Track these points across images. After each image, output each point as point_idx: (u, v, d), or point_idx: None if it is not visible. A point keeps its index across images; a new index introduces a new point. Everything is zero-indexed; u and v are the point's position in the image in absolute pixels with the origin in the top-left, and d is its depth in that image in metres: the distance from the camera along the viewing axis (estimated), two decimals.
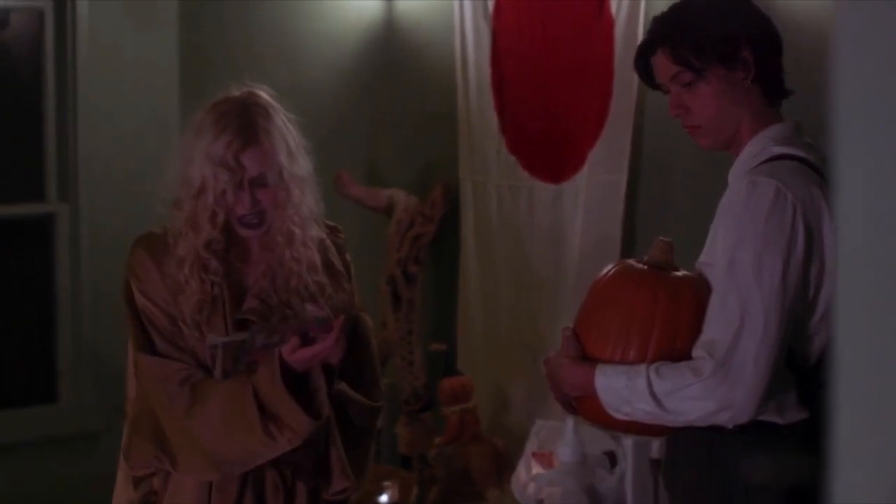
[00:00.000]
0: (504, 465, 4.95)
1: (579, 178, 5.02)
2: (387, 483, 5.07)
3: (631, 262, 2.92)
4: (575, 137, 5.03)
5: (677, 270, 2.84)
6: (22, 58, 5.69)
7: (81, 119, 5.59)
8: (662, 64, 2.84)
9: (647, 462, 4.21)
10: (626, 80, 4.76)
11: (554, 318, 4.92)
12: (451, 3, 5.53)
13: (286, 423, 2.99)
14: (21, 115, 5.68)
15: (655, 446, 4.05)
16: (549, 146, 5.18)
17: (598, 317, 2.85)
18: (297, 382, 3.01)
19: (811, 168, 2.74)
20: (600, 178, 4.93)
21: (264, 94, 3.15)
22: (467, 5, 5.46)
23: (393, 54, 5.88)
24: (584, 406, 2.85)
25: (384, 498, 5.00)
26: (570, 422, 4.31)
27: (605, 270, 2.91)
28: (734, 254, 2.66)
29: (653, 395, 2.66)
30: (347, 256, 3.35)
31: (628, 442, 4.33)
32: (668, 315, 2.75)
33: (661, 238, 2.89)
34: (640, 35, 4.48)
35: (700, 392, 2.62)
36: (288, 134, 3.13)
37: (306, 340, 3.00)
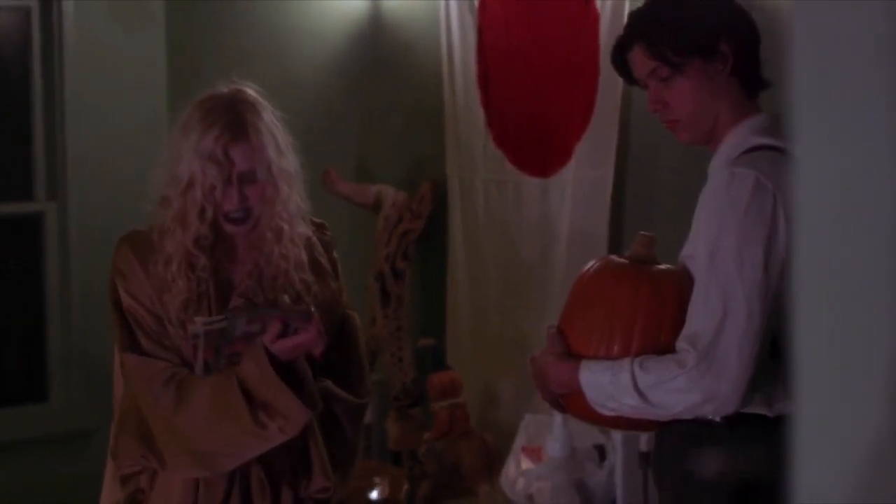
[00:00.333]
0: (494, 461, 4.95)
1: (566, 171, 5.02)
2: (377, 479, 5.06)
3: (612, 257, 2.93)
4: (561, 131, 5.03)
5: (659, 264, 2.84)
6: (9, 57, 5.69)
7: (69, 118, 5.59)
8: (639, 59, 2.84)
9: (637, 455, 4.21)
10: (611, 74, 4.70)
11: (542, 314, 4.91)
12: (436, 0, 5.53)
13: (277, 410, 2.99)
14: (9, 113, 5.68)
15: (644, 439, 4.05)
16: (535, 140, 5.17)
17: (582, 313, 2.85)
18: (282, 373, 3.01)
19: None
20: (587, 173, 4.93)
21: (252, 91, 3.16)
22: (453, 3, 5.45)
23: (379, 51, 5.88)
24: (571, 403, 2.86)
25: (374, 494, 5.00)
26: (558, 416, 4.31)
27: (587, 266, 2.92)
28: (715, 246, 2.66)
29: (637, 389, 2.66)
30: (334, 254, 3.35)
31: (617, 436, 4.33)
32: (650, 309, 2.75)
33: (642, 232, 2.90)
34: None
35: (684, 384, 2.63)
36: (276, 130, 3.13)
37: (286, 332, 3.00)
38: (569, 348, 2.82)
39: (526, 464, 4.57)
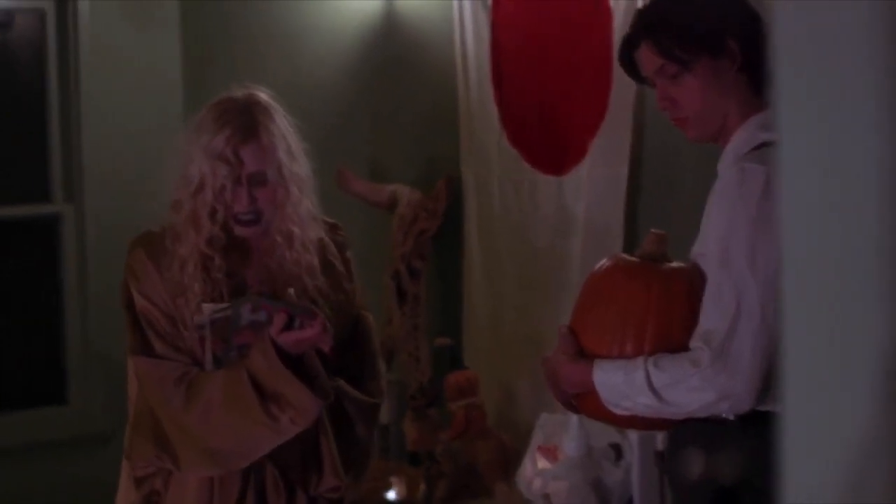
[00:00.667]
0: (511, 460, 4.94)
1: (581, 169, 5.01)
2: (394, 479, 5.05)
3: (623, 255, 2.91)
4: (576, 129, 5.02)
5: (671, 262, 2.83)
6: (25, 59, 5.69)
7: (85, 119, 5.59)
8: (647, 57, 2.82)
9: (654, 454, 4.19)
10: None
11: (558, 312, 4.90)
12: None
13: (287, 401, 2.98)
14: (25, 115, 5.68)
15: (661, 438, 4.03)
16: (550, 138, 5.16)
17: (593, 312, 2.84)
18: (292, 366, 3.00)
19: None
20: (602, 170, 4.92)
21: (265, 95, 3.16)
22: (466, 2, 5.45)
23: (393, 50, 5.87)
24: (585, 403, 2.84)
25: (391, 494, 4.99)
26: (574, 415, 4.30)
27: (598, 265, 2.90)
28: (727, 242, 2.64)
29: (652, 387, 2.64)
30: (348, 254, 3.34)
31: (634, 435, 4.32)
32: (662, 307, 2.73)
33: (653, 230, 2.88)
34: None
35: (699, 383, 2.61)
36: (288, 134, 3.13)
37: (291, 325, 2.99)
38: (581, 348, 2.80)
39: (542, 463, 4.56)
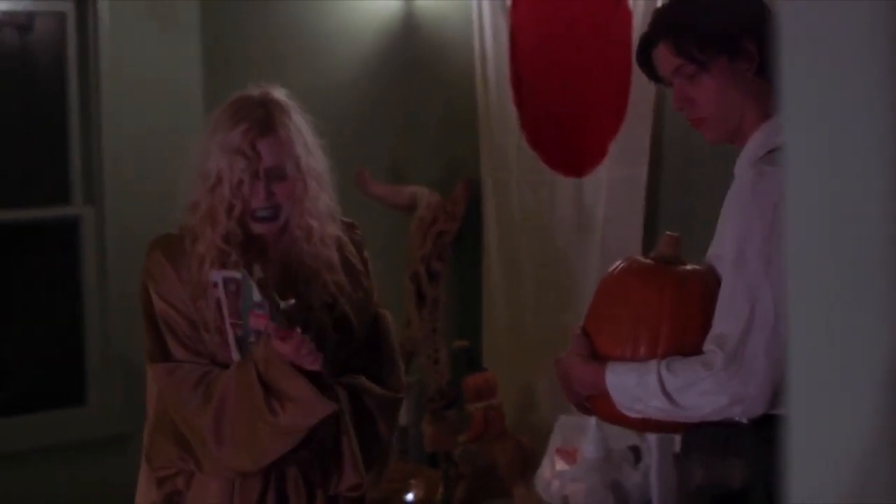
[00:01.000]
0: (530, 462, 4.93)
1: (600, 171, 5.00)
2: (413, 481, 5.05)
3: (638, 257, 2.90)
4: (595, 130, 5.01)
5: (685, 264, 2.81)
6: (45, 61, 5.71)
7: (105, 121, 5.60)
8: (664, 57, 2.81)
9: (672, 457, 4.18)
10: None
11: (577, 314, 4.86)
12: (469, 0, 5.52)
13: (287, 394, 2.95)
14: (45, 117, 5.70)
15: (679, 441, 4.02)
16: (569, 140, 5.15)
17: (607, 314, 2.83)
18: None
19: None
20: (621, 171, 4.90)
21: (280, 92, 3.16)
22: (485, 3, 5.44)
23: (412, 52, 5.87)
24: (598, 405, 2.83)
25: (410, 496, 4.99)
26: (593, 418, 4.29)
27: (612, 267, 2.89)
28: (742, 245, 2.62)
29: (664, 391, 2.63)
30: (365, 253, 3.33)
31: (653, 437, 4.30)
32: (675, 310, 2.72)
33: (667, 232, 2.87)
34: None
35: (712, 386, 2.59)
36: (304, 129, 3.12)
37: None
38: (594, 350, 2.79)
39: (561, 465, 4.55)
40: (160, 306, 3.09)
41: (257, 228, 3.09)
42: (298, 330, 2.93)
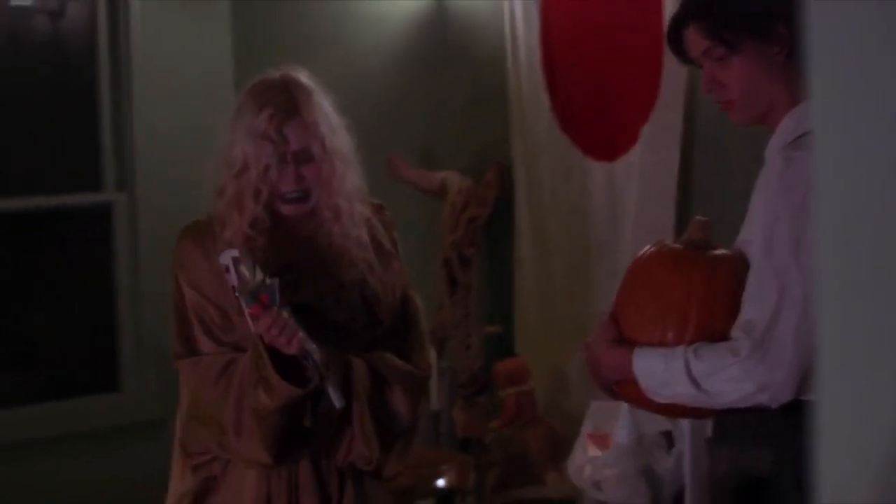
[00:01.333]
0: (562, 448, 4.92)
1: (632, 155, 4.97)
2: (444, 467, 5.04)
3: (667, 242, 2.88)
4: (626, 114, 4.99)
5: (715, 249, 2.79)
6: (77, 47, 5.72)
7: (137, 108, 5.61)
8: (694, 39, 2.79)
9: (705, 442, 4.16)
10: None
11: (608, 299, 4.85)
12: None
13: (259, 374, 2.94)
14: (77, 104, 5.71)
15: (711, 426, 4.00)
16: (600, 124, 5.13)
17: (636, 299, 2.81)
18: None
19: None
20: (653, 156, 4.88)
21: (301, 74, 3.14)
22: None
23: (443, 37, 5.85)
24: (626, 390, 2.82)
25: (441, 482, 4.98)
26: (625, 403, 4.27)
27: (642, 252, 2.88)
28: (771, 231, 2.60)
29: (691, 377, 2.62)
30: (395, 234, 3.32)
31: (685, 422, 4.28)
32: (704, 295, 2.70)
33: (697, 217, 2.85)
34: None
35: (738, 373, 2.57)
36: (328, 110, 3.11)
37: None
38: (622, 335, 2.78)
39: (593, 451, 4.53)
40: (190, 295, 3.08)
41: (288, 210, 3.08)
42: (274, 309, 2.90)
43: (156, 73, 5.62)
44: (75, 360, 5.77)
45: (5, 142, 5.57)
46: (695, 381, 2.61)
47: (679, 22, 2.85)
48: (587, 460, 4.51)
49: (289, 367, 2.95)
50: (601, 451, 4.50)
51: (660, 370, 2.66)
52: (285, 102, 3.04)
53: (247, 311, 2.91)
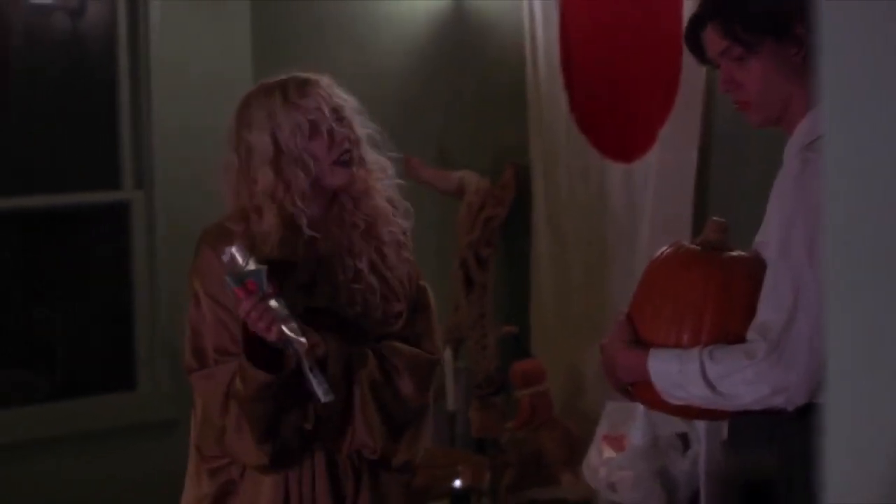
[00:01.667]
0: (577, 449, 4.91)
1: (650, 156, 4.96)
2: (460, 467, 5.03)
3: (684, 243, 2.88)
4: (645, 115, 4.98)
5: (731, 251, 2.79)
6: (96, 46, 5.73)
7: (155, 106, 5.62)
8: (712, 39, 2.79)
9: (721, 444, 4.15)
10: None
11: (625, 300, 4.85)
12: None
13: (240, 361, 2.95)
14: (96, 102, 5.72)
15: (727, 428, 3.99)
16: (619, 125, 5.12)
17: (651, 300, 2.81)
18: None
19: None
20: (671, 157, 4.86)
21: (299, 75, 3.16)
22: None
23: (461, 36, 5.85)
24: (641, 391, 2.82)
25: (457, 482, 4.97)
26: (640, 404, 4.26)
27: (658, 253, 2.87)
28: (786, 233, 2.60)
29: (706, 379, 2.61)
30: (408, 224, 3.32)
31: (701, 424, 4.26)
32: (720, 297, 2.69)
33: (714, 218, 2.85)
34: None
35: (753, 376, 2.57)
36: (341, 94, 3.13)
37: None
38: (638, 335, 2.78)
39: (608, 452, 4.52)
40: (207, 304, 3.05)
41: (340, 177, 3.06)
42: (257, 296, 2.86)
43: (174, 72, 5.63)
44: (91, 358, 5.78)
45: (23, 140, 5.59)
46: (710, 383, 2.60)
47: (697, 22, 2.85)
48: (602, 462, 4.50)
49: (278, 357, 2.94)
50: (616, 452, 4.49)
51: (675, 372, 2.66)
52: (296, 81, 3.07)
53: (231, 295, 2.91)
